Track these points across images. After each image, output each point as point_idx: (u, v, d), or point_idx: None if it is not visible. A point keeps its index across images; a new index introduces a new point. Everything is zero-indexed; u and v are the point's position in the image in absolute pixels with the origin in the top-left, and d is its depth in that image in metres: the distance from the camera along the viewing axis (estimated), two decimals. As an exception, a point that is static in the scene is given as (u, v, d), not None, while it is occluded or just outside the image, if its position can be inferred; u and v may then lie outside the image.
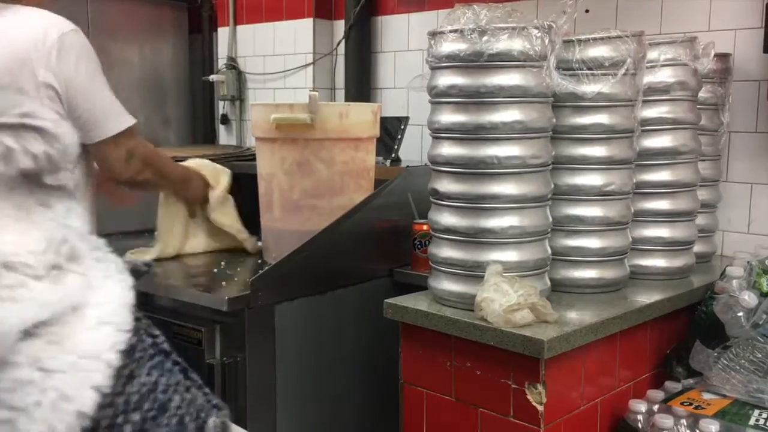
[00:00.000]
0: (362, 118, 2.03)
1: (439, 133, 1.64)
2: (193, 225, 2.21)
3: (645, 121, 1.81)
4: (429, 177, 1.69)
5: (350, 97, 3.03)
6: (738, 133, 2.16)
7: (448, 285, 1.63)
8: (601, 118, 1.69)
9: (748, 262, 1.78)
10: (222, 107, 3.59)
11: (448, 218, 1.62)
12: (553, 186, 1.66)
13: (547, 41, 1.55)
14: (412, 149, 2.77)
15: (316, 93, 1.96)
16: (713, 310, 1.73)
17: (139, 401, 0.25)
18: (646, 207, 1.88)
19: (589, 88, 1.63)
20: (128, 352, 0.26)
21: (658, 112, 1.86)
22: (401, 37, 2.98)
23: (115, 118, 1.74)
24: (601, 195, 1.71)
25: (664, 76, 1.85)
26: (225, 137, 3.63)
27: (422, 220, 1.94)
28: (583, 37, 1.67)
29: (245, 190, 2.26)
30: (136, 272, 0.36)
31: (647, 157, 1.85)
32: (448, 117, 1.60)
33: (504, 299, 1.46)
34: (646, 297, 1.74)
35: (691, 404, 1.63)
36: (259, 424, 1.81)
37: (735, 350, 1.66)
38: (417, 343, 1.66)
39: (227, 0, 3.47)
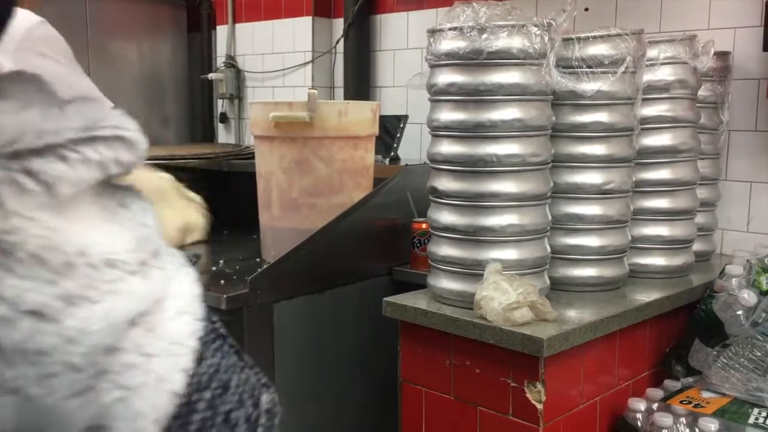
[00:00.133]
0: (361, 117, 2.03)
1: (438, 131, 1.64)
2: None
3: (644, 120, 1.81)
4: (428, 175, 1.69)
5: (349, 95, 3.03)
6: (737, 132, 2.16)
7: (448, 283, 1.62)
8: (601, 117, 1.69)
9: (747, 260, 1.78)
10: (221, 106, 3.59)
11: (447, 216, 1.62)
12: (552, 184, 1.65)
13: (546, 39, 1.54)
14: (411, 147, 2.76)
15: (315, 91, 1.96)
16: (712, 308, 1.73)
17: (208, 381, 0.30)
18: (646, 205, 1.88)
19: (589, 86, 1.63)
20: (201, 338, 0.30)
21: (658, 111, 1.86)
22: (400, 36, 2.98)
23: None
24: (600, 193, 1.71)
25: (664, 74, 1.85)
26: (224, 136, 3.63)
27: (421, 219, 1.94)
28: (582, 35, 1.67)
29: (244, 189, 2.26)
30: None
31: (647, 156, 1.85)
32: (448, 115, 1.60)
33: (503, 297, 1.46)
34: (645, 295, 1.74)
35: (690, 403, 1.63)
36: (257, 422, 1.81)
37: (734, 349, 1.66)
38: (416, 342, 1.66)
39: (226, -2, 3.47)
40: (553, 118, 1.64)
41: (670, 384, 1.76)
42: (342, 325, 2.00)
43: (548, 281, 1.67)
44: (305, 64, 3.20)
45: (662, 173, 1.88)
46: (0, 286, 0.21)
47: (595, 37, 1.67)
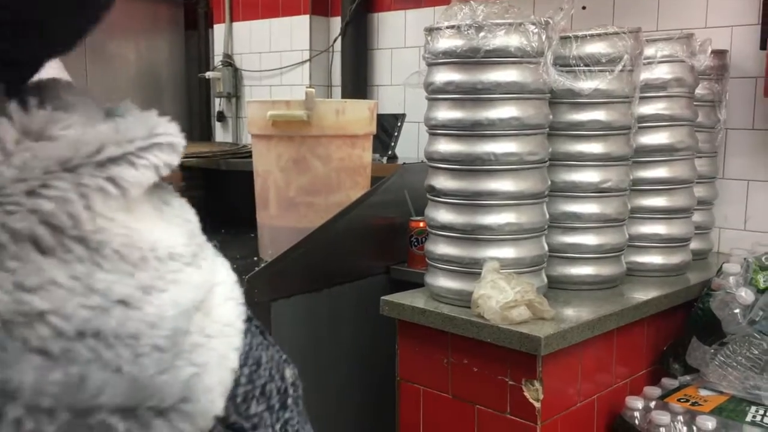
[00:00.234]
0: (359, 115, 2.03)
1: (435, 129, 1.64)
2: None
3: (642, 118, 1.81)
4: (425, 174, 1.69)
5: (347, 94, 3.02)
6: (735, 130, 2.16)
7: (445, 282, 1.62)
8: (598, 115, 1.69)
9: (744, 258, 1.79)
10: (218, 104, 3.59)
11: (444, 215, 1.62)
12: (549, 183, 1.65)
13: (544, 37, 1.54)
14: (409, 146, 2.76)
15: (313, 90, 1.96)
16: (710, 306, 1.73)
17: (245, 358, 0.33)
18: (643, 204, 1.88)
19: (586, 84, 1.63)
20: (244, 320, 0.35)
21: (655, 109, 1.86)
22: (398, 34, 2.97)
23: None
24: (597, 192, 1.71)
25: (661, 72, 1.85)
26: (221, 134, 3.62)
27: (419, 217, 1.94)
28: (580, 33, 1.67)
29: (241, 187, 2.26)
30: None
31: (644, 154, 1.85)
32: (445, 113, 1.60)
33: (501, 296, 1.46)
34: (642, 294, 1.74)
35: (687, 401, 1.63)
36: (255, 421, 1.80)
37: (732, 347, 1.66)
38: (414, 340, 1.66)
39: (223, -3, 3.47)
40: (551, 117, 1.64)
41: (668, 382, 1.76)
42: (340, 324, 2.00)
43: (546, 280, 1.67)
44: (303, 62, 3.20)
45: (659, 172, 1.88)
46: (92, 280, 0.24)
47: (592, 36, 1.67)
